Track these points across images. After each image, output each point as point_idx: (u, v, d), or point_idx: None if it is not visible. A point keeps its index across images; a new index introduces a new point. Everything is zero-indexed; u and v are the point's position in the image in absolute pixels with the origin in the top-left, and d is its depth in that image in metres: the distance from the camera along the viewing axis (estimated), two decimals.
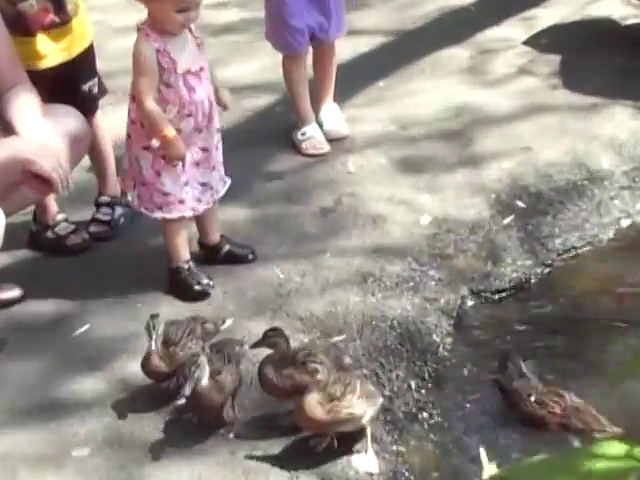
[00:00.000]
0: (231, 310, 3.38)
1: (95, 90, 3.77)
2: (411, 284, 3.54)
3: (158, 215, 3.48)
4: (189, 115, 3.40)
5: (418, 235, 3.79)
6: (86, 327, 3.37)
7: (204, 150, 3.49)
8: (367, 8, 5.94)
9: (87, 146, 3.55)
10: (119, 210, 3.89)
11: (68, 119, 3.33)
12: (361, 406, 2.77)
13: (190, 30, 3.43)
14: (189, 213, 3.49)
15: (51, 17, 3.55)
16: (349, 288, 3.47)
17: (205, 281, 3.51)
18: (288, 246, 3.74)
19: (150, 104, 3.30)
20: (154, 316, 3.04)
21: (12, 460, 2.82)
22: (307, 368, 2.87)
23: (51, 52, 3.59)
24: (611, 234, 4.02)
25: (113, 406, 3.00)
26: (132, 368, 3.10)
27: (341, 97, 4.65)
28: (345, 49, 4.88)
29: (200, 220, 3.62)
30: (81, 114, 3.42)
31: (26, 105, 3.20)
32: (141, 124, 3.39)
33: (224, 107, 3.59)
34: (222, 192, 3.58)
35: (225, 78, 4.36)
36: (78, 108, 3.46)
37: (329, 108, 4.53)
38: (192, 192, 3.47)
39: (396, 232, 3.80)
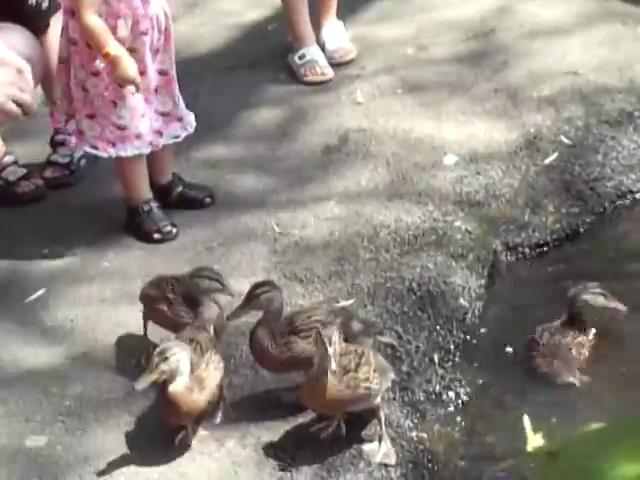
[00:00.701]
0: (215, 270, 3.39)
1: (45, 4, 3.77)
2: (433, 237, 3.56)
3: (110, 153, 3.54)
4: (144, 33, 3.50)
5: (441, 178, 3.81)
6: (41, 291, 3.42)
7: (163, 73, 3.61)
8: None
9: (40, 72, 3.58)
10: (80, 150, 3.91)
11: (15, 38, 3.34)
12: (377, 381, 2.79)
13: None
14: (146, 149, 3.56)
15: None
16: (358, 242, 3.49)
17: (167, 228, 3.59)
18: (284, 192, 3.78)
19: (90, 18, 3.37)
20: None
21: None
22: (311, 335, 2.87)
23: None
24: None
25: (74, 386, 3.03)
26: (97, 340, 3.15)
27: (346, 12, 4.67)
28: None
29: (153, 155, 3.66)
30: (30, 32, 3.44)
31: None
32: (87, 44, 3.43)
33: None
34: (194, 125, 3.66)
35: None
36: (24, 26, 3.48)
37: (332, 25, 4.56)
38: (150, 124, 3.53)
39: (414, 174, 3.81)
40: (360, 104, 4.21)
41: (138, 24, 3.44)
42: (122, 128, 3.47)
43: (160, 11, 3.51)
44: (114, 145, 3.48)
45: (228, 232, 3.59)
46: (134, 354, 3.10)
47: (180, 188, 3.73)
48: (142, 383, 2.70)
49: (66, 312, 3.32)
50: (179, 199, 3.73)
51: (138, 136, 3.49)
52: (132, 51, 3.44)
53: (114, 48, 3.33)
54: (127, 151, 3.49)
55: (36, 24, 3.64)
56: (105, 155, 3.55)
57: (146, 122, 3.50)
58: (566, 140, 4.04)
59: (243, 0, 5.09)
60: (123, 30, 3.43)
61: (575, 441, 1.31)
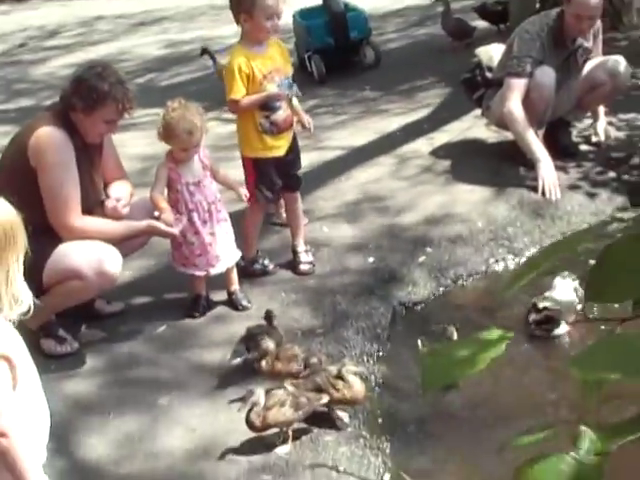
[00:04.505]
0: None
1: None
2: None
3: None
4: (192, 210, 5.70)
5: None
6: None
7: (211, 234, 5.80)
8: None
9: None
10: None
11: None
12: None
13: (200, 156, 5.82)
14: None
15: None
16: None
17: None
18: None
19: (155, 194, 5.72)
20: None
21: None
22: None
23: None
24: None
25: None
26: None
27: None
28: None
29: None
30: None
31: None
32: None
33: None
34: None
35: None
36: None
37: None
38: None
39: None
40: None
41: (187, 205, 5.97)
42: None
43: (203, 200, 6.00)
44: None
45: None
46: None
47: None
48: None
49: None
50: None
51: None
52: (190, 220, 5.96)
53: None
54: None
55: None
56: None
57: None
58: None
59: None
60: (181, 209, 5.96)
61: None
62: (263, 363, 5.17)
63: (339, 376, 4.90)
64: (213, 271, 6.00)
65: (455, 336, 5.48)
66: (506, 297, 5.87)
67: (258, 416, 4.69)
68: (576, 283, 5.98)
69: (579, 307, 5.80)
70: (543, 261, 1.48)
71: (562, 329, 5.76)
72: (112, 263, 5.43)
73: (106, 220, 5.75)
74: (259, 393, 4.76)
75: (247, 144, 6.32)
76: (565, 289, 5.96)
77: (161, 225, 5.70)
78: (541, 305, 5.77)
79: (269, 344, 5.23)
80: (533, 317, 5.78)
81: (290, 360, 5.21)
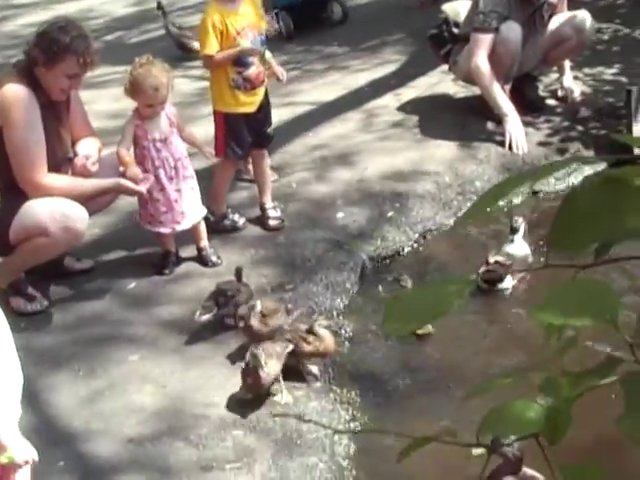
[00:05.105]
0: None
1: None
2: None
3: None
4: (159, 167, 5.81)
5: None
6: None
7: (177, 191, 5.91)
8: None
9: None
10: None
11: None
12: None
13: (166, 113, 6.01)
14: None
15: None
16: None
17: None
18: None
19: (121, 150, 5.71)
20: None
21: None
22: None
23: None
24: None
25: None
26: None
27: None
28: None
29: None
30: None
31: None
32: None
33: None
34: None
35: None
36: None
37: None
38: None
39: None
40: None
41: (154, 161, 5.93)
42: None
43: (169, 156, 5.98)
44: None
45: None
46: None
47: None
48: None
49: None
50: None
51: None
52: (156, 176, 5.89)
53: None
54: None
55: None
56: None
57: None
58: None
59: None
60: (148, 165, 5.96)
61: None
62: (254, 322, 5.12)
63: (310, 330, 4.93)
64: (179, 228, 6.08)
65: (410, 284, 5.71)
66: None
67: (267, 375, 4.69)
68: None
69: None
70: (499, 195, 1.46)
71: (507, 283, 5.98)
72: (77, 219, 5.48)
73: (73, 178, 5.79)
74: (260, 353, 4.72)
75: (219, 99, 6.42)
76: (522, 244, 6.09)
77: (128, 183, 5.73)
78: (492, 259, 5.95)
79: (255, 303, 5.23)
80: (481, 270, 5.93)
81: (276, 312, 5.23)
